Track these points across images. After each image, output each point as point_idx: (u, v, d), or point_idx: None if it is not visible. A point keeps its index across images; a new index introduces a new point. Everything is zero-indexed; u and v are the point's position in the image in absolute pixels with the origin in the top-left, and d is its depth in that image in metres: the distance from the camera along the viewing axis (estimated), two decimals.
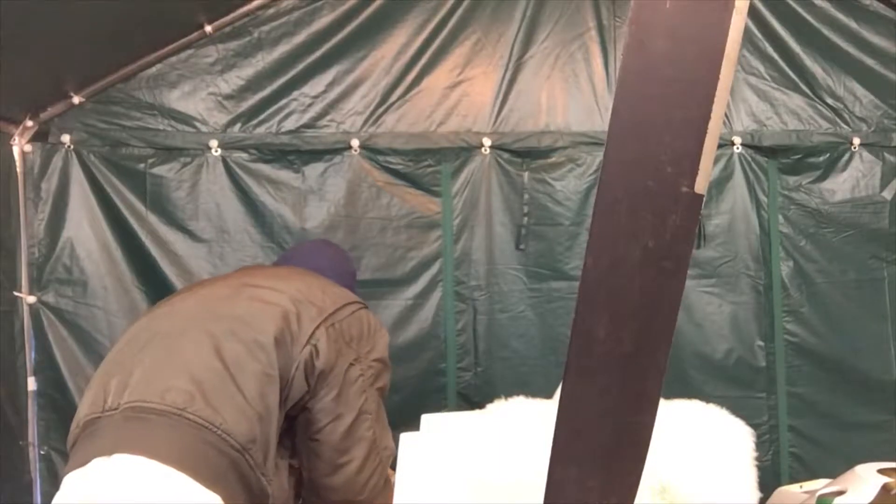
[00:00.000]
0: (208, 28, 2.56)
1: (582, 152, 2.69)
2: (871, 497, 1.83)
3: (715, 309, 2.74)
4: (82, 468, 1.47)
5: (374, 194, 2.66)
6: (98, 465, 1.46)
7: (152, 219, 2.55)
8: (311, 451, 1.75)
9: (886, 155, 2.78)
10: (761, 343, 2.75)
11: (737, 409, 2.05)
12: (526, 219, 2.69)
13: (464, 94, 2.69)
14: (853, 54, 2.75)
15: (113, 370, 1.61)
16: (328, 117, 2.64)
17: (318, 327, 1.71)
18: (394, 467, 1.99)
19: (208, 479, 1.46)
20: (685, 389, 2.46)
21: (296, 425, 1.75)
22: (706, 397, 2.08)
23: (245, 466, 1.53)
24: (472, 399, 2.63)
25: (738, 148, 2.72)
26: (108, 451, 1.46)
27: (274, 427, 1.61)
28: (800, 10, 2.73)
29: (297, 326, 1.69)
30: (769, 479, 2.46)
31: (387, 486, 1.87)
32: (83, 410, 1.57)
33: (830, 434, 2.73)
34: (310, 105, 2.63)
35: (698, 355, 2.72)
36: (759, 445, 2.56)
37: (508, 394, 2.09)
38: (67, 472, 1.51)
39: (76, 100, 2.50)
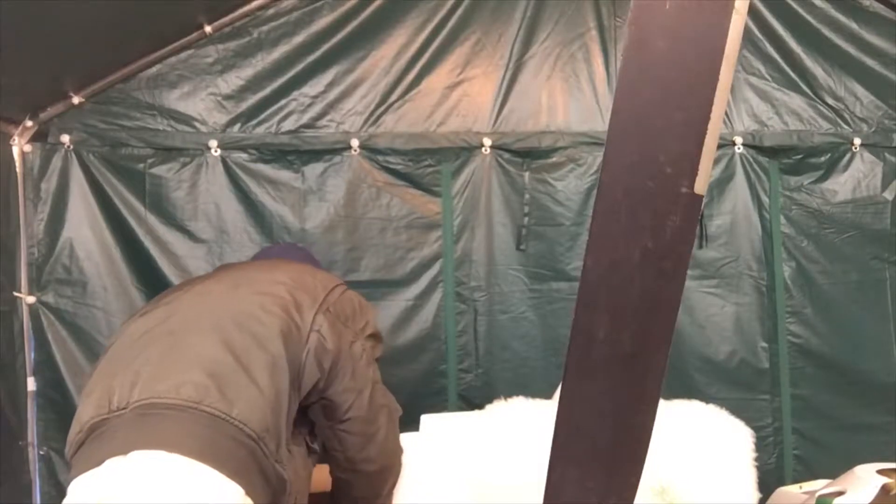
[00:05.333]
0: (208, 28, 2.55)
1: (583, 152, 2.68)
2: (871, 498, 1.83)
3: (717, 310, 2.73)
4: (96, 469, 1.45)
5: (374, 194, 2.65)
6: (114, 465, 1.44)
7: (151, 219, 2.54)
8: (342, 432, 1.83)
9: (887, 155, 2.77)
10: (764, 344, 2.74)
11: (740, 412, 2.06)
12: (527, 219, 2.68)
13: (464, 94, 2.68)
14: (853, 55, 2.74)
15: (115, 371, 1.59)
16: (328, 117, 2.63)
17: (316, 314, 1.76)
18: None
19: (230, 469, 1.47)
20: (688, 391, 2.45)
21: (313, 414, 1.81)
22: (709, 399, 2.09)
23: (261, 456, 1.54)
24: (473, 401, 2.61)
25: (739, 148, 2.72)
26: (124, 451, 1.45)
27: (284, 416, 1.63)
28: (800, 10, 2.73)
29: (298, 316, 1.73)
30: (773, 482, 2.46)
31: (401, 448, 2.01)
32: (87, 413, 1.55)
33: (834, 436, 2.72)
34: (309, 105, 2.62)
35: (701, 357, 2.71)
36: (763, 448, 2.57)
37: (509, 395, 2.09)
38: (76, 476, 1.49)
39: (76, 100, 2.49)
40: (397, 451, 1.98)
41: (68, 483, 1.51)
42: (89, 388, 1.62)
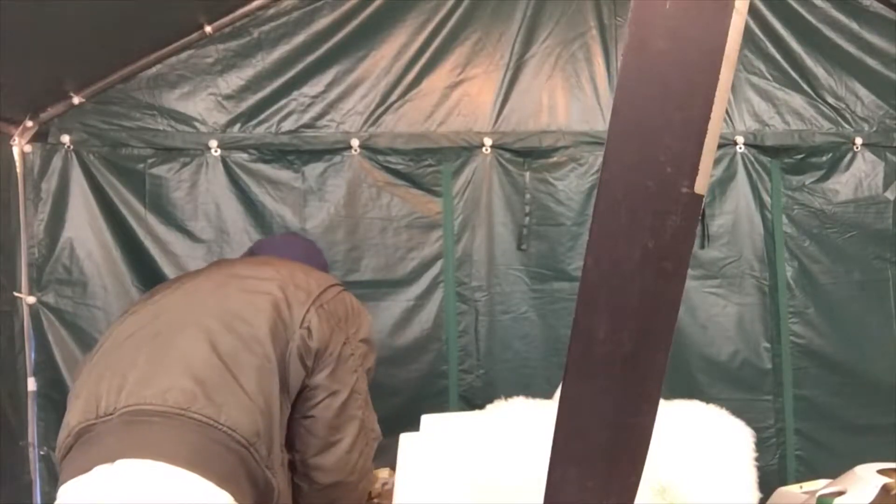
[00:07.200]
0: (208, 28, 2.56)
1: (584, 152, 2.68)
2: (871, 497, 1.82)
3: (720, 310, 2.73)
4: (83, 476, 1.44)
5: (375, 194, 2.65)
6: (101, 472, 1.43)
7: (151, 219, 2.55)
8: (305, 428, 1.75)
9: (889, 155, 2.77)
10: (767, 345, 2.74)
11: (743, 412, 2.05)
12: (528, 219, 2.68)
13: (464, 94, 2.68)
14: (854, 54, 2.74)
15: (103, 374, 1.58)
16: (328, 117, 2.63)
17: (308, 310, 1.72)
18: (394, 468, 1.99)
19: (218, 476, 1.45)
20: (690, 392, 2.44)
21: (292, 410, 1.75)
22: (712, 400, 2.08)
23: (251, 461, 1.52)
24: (474, 402, 2.61)
25: (740, 147, 2.72)
26: (111, 458, 1.44)
27: (276, 419, 1.61)
28: (800, 10, 2.73)
29: (288, 313, 1.69)
30: (775, 483, 2.45)
31: (371, 472, 1.90)
32: (74, 418, 1.54)
33: (837, 437, 2.72)
34: (309, 105, 2.62)
35: (703, 357, 2.71)
36: (765, 449, 2.57)
37: (511, 396, 2.09)
38: (64, 482, 1.48)
39: (76, 100, 2.49)
40: (362, 471, 1.84)
41: (58, 488, 1.50)
42: (77, 392, 1.60)
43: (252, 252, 2.20)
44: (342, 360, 1.76)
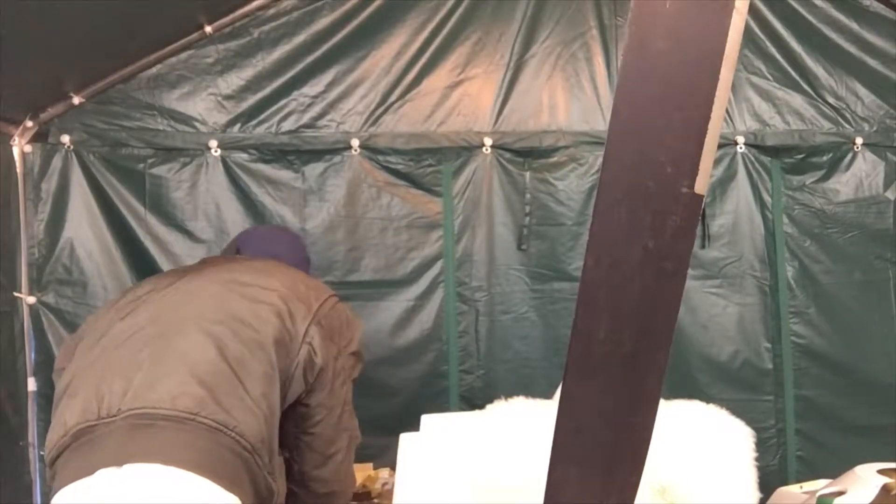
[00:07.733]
0: (208, 28, 2.56)
1: (584, 152, 2.68)
2: (871, 497, 1.83)
3: (720, 310, 2.73)
4: (86, 479, 1.42)
5: (375, 194, 2.65)
6: (106, 476, 1.42)
7: (151, 219, 2.55)
8: (305, 444, 1.78)
9: (889, 155, 2.77)
10: (768, 345, 2.74)
11: (743, 413, 2.05)
12: (528, 219, 2.68)
13: (464, 94, 2.68)
14: (854, 54, 2.74)
15: (103, 375, 1.55)
16: (328, 117, 2.63)
17: (310, 325, 1.72)
18: (394, 468, 2.00)
19: (227, 481, 1.45)
20: (691, 392, 2.43)
21: (286, 420, 1.74)
22: (712, 400, 2.08)
23: (255, 467, 1.52)
24: (475, 402, 2.61)
25: (741, 147, 2.71)
26: (118, 462, 1.42)
27: (276, 426, 1.61)
28: (801, 10, 2.73)
29: (292, 325, 1.69)
30: (776, 483, 2.45)
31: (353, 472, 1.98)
32: (72, 418, 1.50)
33: (838, 437, 2.71)
34: (309, 105, 2.62)
35: (704, 357, 2.71)
36: (766, 449, 2.57)
37: (511, 396, 2.09)
38: (63, 485, 1.45)
39: (76, 100, 2.49)
40: (350, 477, 1.95)
41: (53, 490, 1.47)
42: (72, 390, 1.57)
43: (237, 246, 2.16)
44: (336, 376, 1.78)
